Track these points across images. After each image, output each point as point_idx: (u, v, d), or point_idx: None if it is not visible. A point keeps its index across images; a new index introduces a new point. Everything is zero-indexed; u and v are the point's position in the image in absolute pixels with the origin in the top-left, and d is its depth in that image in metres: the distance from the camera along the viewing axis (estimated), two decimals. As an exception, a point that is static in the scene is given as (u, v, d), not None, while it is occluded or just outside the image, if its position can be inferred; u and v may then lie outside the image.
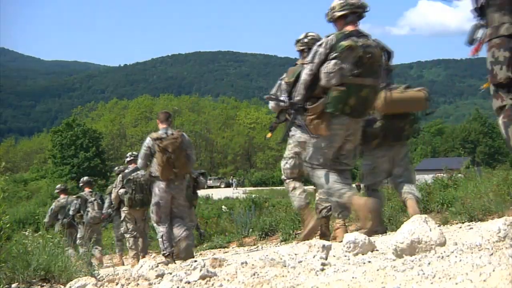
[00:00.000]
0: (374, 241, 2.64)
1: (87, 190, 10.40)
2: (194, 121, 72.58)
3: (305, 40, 5.08)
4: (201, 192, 13.05)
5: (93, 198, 10.14)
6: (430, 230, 2.10)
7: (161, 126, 6.29)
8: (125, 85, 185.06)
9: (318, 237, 5.30)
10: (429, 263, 1.78)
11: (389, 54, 4.32)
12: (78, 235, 10.04)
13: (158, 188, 6.09)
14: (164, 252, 6.14)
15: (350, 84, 4.05)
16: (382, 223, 5.31)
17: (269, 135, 5.25)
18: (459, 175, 10.07)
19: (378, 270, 1.85)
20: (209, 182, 57.93)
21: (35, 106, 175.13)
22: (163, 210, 6.11)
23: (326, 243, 2.65)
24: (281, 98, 4.63)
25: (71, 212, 10.23)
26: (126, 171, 8.40)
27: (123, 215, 8.69)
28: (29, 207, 27.87)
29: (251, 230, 10.25)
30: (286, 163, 5.41)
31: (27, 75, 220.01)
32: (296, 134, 5.20)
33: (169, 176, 5.92)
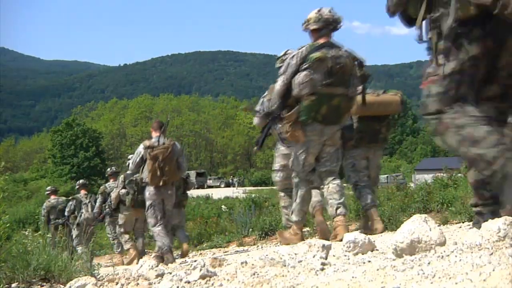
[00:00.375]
0: (374, 241, 2.65)
1: (82, 192, 10.71)
2: (194, 120, 72.62)
3: (284, 57, 5.16)
4: (201, 192, 13.24)
5: (87, 200, 10.40)
6: (430, 230, 2.10)
7: (154, 134, 6.55)
8: (125, 85, 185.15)
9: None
10: (429, 263, 1.78)
11: (361, 63, 4.54)
12: (73, 236, 10.15)
13: (149, 192, 6.41)
14: (157, 252, 6.37)
15: (321, 93, 4.32)
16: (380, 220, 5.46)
17: (255, 149, 5.32)
18: (459, 174, 10.09)
19: (378, 269, 1.85)
20: (209, 182, 57.94)
21: (35, 105, 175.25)
22: (157, 211, 6.39)
23: (326, 242, 2.65)
24: (256, 108, 4.98)
25: (66, 213, 10.49)
26: (128, 172, 8.29)
27: (122, 218, 8.75)
28: (29, 207, 27.91)
29: (251, 229, 10.26)
30: (276, 175, 5.67)
31: (27, 75, 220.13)
32: (281, 147, 5.51)
33: (158, 183, 6.21)
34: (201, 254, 9.09)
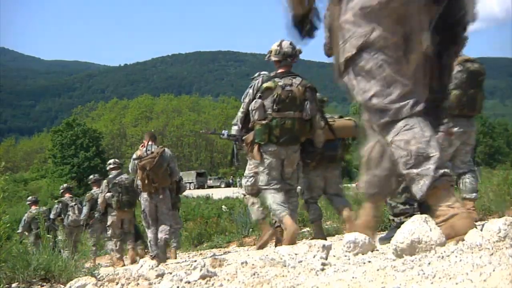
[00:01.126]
0: (374, 241, 2.64)
1: (67, 195, 11.20)
2: (194, 120, 72.67)
3: (255, 79, 5.45)
4: (201, 192, 13.38)
5: (73, 203, 10.87)
6: (430, 230, 2.10)
7: (145, 143, 7.23)
8: (125, 85, 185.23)
9: (274, 244, 6.02)
10: (429, 263, 1.78)
11: (313, 89, 5.06)
12: (59, 238, 10.25)
13: (143, 198, 7.10)
14: (152, 254, 7.11)
15: (273, 118, 4.87)
16: (323, 232, 6.13)
17: (235, 164, 6.02)
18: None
19: (378, 270, 1.85)
20: (209, 182, 57.90)
21: (35, 105, 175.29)
22: (149, 217, 7.06)
23: (326, 243, 2.65)
24: (222, 132, 5.58)
25: (52, 216, 10.89)
26: (110, 176, 8.96)
27: (110, 219, 9.00)
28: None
29: (251, 230, 10.27)
30: (247, 181, 6.05)
31: (27, 75, 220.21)
32: None
33: (149, 190, 6.77)
34: (201, 254, 9.10)
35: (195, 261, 3.87)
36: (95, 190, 10.13)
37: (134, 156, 7.17)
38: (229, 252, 8.33)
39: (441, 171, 2.22)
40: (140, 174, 6.73)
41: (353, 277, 1.81)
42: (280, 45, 5.09)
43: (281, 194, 4.97)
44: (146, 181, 6.69)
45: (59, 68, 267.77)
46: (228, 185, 55.30)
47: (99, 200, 9.22)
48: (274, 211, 4.95)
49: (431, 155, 2.24)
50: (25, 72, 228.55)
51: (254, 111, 4.93)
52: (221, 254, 7.66)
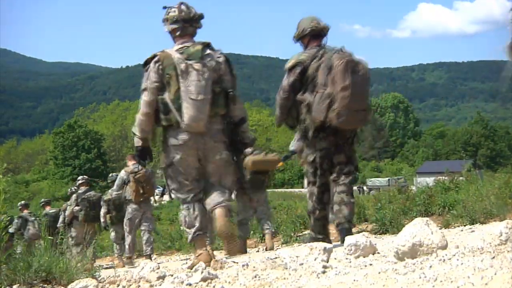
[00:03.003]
0: (375, 244, 2.64)
1: (26, 211, 12.25)
2: (195, 123, 72.56)
3: None
4: None
5: (32, 218, 11.88)
6: (432, 233, 2.10)
7: (131, 162, 8.28)
8: (127, 87, 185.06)
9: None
10: (430, 266, 1.78)
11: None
12: (18, 251, 10.61)
13: (131, 208, 8.21)
14: (129, 255, 8.50)
15: None
16: (246, 249, 7.09)
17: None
18: (461, 178, 10.06)
19: (379, 273, 1.84)
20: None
21: (37, 107, 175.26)
22: (132, 224, 8.31)
23: (328, 245, 2.64)
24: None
25: (11, 230, 11.02)
26: (79, 192, 9.95)
27: (74, 231, 9.92)
28: (30, 208, 27.82)
29: (252, 232, 10.24)
30: None
31: (29, 76, 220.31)
32: None
33: (140, 199, 7.69)
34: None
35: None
36: (82, 189, 10.34)
37: (124, 172, 8.27)
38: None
39: None
40: (135, 186, 7.67)
41: (354, 280, 1.80)
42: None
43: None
44: (141, 191, 7.67)
45: (60, 69, 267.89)
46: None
47: (67, 213, 10.08)
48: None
49: None
50: (27, 73, 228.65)
51: None
52: (224, 257, 7.64)
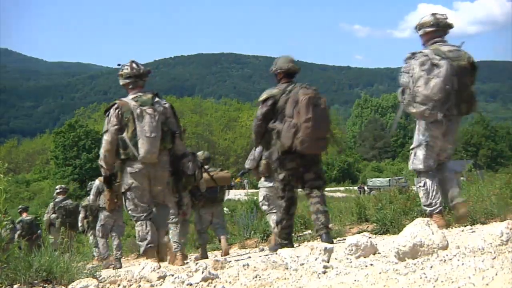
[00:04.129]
0: (376, 244, 2.64)
1: (25, 215, 12.12)
2: (196, 122, 72.58)
3: None
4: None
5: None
6: (433, 233, 2.10)
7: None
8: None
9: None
10: (431, 267, 1.78)
11: (194, 154, 5.52)
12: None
13: (104, 215, 9.08)
14: (103, 255, 9.26)
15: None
16: (207, 255, 8.14)
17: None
18: (462, 178, 10.06)
19: (380, 273, 1.84)
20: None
21: (38, 107, 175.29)
22: (105, 230, 9.19)
23: (328, 245, 2.64)
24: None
25: (16, 236, 11.44)
26: (57, 200, 10.74)
27: (50, 237, 10.38)
28: (31, 208, 27.86)
29: (252, 232, 10.25)
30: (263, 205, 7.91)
31: (29, 76, 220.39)
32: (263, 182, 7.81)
33: (113, 207, 7.95)
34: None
35: (197, 263, 3.86)
36: (59, 198, 11.17)
37: (99, 182, 8.98)
38: (230, 254, 8.32)
39: None
40: (109, 196, 7.71)
41: (355, 280, 1.80)
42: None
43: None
44: (115, 200, 7.87)
45: (61, 69, 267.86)
46: (229, 187, 55.07)
47: (44, 219, 10.81)
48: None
49: None
50: (28, 73, 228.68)
51: None
52: (224, 257, 7.65)
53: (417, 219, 2.19)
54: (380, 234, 7.08)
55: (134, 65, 5.08)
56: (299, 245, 6.95)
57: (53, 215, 10.37)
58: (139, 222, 4.88)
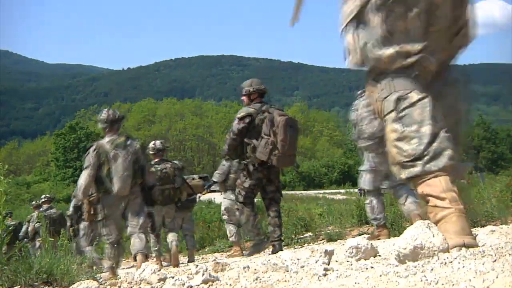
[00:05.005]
0: (377, 247, 2.64)
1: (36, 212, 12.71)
2: (197, 124, 72.65)
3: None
4: (203, 196, 13.88)
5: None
6: (433, 236, 2.10)
7: None
8: (128, 89, 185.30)
9: None
10: (432, 269, 1.78)
11: (181, 168, 7.88)
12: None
13: (84, 225, 9.13)
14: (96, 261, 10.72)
15: (158, 189, 7.51)
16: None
17: None
18: (462, 180, 10.05)
19: (380, 275, 1.84)
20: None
21: (38, 108, 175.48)
22: (88, 239, 9.15)
23: (329, 248, 2.64)
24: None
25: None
26: (41, 209, 11.19)
27: (37, 243, 10.79)
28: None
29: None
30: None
31: (30, 78, 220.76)
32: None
33: (92, 219, 8.36)
34: (203, 258, 9.10)
35: (197, 265, 3.86)
36: (34, 213, 11.68)
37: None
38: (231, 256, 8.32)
39: None
40: (88, 207, 8.11)
41: (355, 283, 1.80)
42: (154, 143, 7.90)
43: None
44: (92, 212, 8.20)
45: (62, 71, 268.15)
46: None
47: (29, 228, 11.20)
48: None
49: None
50: (29, 75, 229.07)
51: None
52: (225, 259, 7.65)
53: (418, 221, 2.19)
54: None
55: (110, 112, 6.05)
56: (299, 247, 6.95)
57: (37, 224, 10.90)
58: (111, 245, 5.80)
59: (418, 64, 2.09)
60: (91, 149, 5.79)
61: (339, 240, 7.53)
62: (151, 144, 7.88)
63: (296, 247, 7.64)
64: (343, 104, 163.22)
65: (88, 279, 3.16)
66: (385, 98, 2.13)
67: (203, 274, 2.35)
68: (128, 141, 5.90)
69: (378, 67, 2.12)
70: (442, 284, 1.56)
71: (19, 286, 3.11)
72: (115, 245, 5.84)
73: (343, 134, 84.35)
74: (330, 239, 7.73)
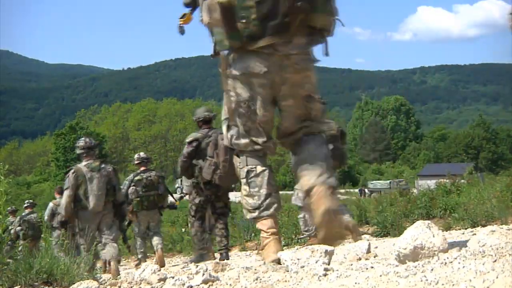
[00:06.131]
0: (376, 247, 2.64)
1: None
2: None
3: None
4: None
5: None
6: (433, 236, 2.10)
7: (58, 196, 10.16)
8: (129, 89, 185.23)
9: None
10: (432, 269, 1.78)
11: (163, 177, 8.81)
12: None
13: (57, 233, 9.47)
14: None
15: (141, 195, 8.37)
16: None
17: None
18: (462, 181, 10.06)
19: (381, 276, 1.84)
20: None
21: (39, 109, 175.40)
22: (59, 247, 10.66)
23: (329, 248, 2.64)
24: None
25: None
26: (23, 214, 11.83)
27: (20, 248, 10.80)
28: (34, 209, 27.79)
29: (253, 234, 10.25)
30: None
31: (30, 78, 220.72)
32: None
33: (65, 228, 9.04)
34: (203, 258, 9.08)
35: (198, 265, 3.86)
36: (10, 218, 11.63)
37: (52, 204, 10.49)
38: (231, 256, 8.32)
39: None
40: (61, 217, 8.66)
41: (355, 283, 1.80)
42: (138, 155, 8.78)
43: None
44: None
45: (62, 71, 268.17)
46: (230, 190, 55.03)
47: (11, 232, 11.16)
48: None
49: None
50: (29, 75, 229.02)
51: (131, 194, 8.14)
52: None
53: (418, 221, 2.19)
54: (380, 237, 7.08)
55: (87, 139, 7.02)
56: (299, 247, 6.95)
57: (18, 228, 11.31)
58: (85, 252, 6.07)
59: (263, 148, 3.15)
60: (70, 172, 6.75)
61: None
62: (136, 155, 8.81)
63: (296, 247, 7.64)
64: (343, 104, 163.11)
65: (88, 279, 3.15)
66: (241, 168, 3.18)
67: (203, 274, 2.35)
68: (102, 165, 6.89)
69: (237, 149, 3.24)
70: (442, 284, 1.56)
71: (19, 286, 3.11)
72: (88, 253, 6.52)
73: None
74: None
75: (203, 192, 6.59)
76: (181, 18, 3.38)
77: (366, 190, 40.27)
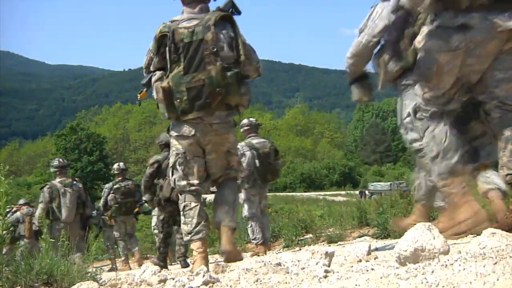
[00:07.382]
0: (377, 249, 2.64)
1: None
2: (197, 126, 72.59)
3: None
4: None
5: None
6: (434, 238, 2.10)
7: (25, 207, 10.65)
8: (129, 89, 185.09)
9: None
10: (432, 272, 1.78)
11: (138, 186, 9.46)
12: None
13: (24, 241, 9.82)
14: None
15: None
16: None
17: None
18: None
19: (381, 277, 1.84)
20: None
21: (39, 109, 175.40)
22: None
23: (329, 249, 2.64)
24: None
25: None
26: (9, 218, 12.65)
27: (4, 250, 11.33)
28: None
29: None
30: None
31: (31, 79, 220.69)
32: None
33: (32, 235, 9.47)
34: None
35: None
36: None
37: (19, 214, 10.54)
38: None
39: None
40: (29, 226, 9.61)
41: (356, 285, 1.80)
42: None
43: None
44: (33, 229, 9.45)
45: (63, 72, 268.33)
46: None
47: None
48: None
49: None
50: (29, 76, 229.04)
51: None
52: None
53: (418, 223, 2.19)
54: (381, 239, 7.08)
55: (60, 160, 8.43)
56: (300, 249, 6.95)
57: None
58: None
59: (197, 189, 4.15)
60: (45, 188, 7.98)
61: (339, 242, 7.53)
62: (115, 166, 9.81)
63: (296, 248, 7.64)
64: (344, 105, 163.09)
65: (88, 280, 3.15)
66: (180, 203, 4.16)
67: (203, 276, 2.36)
68: (74, 182, 8.12)
69: (178, 189, 4.24)
70: (443, 286, 1.56)
71: (20, 287, 3.11)
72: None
73: (344, 135, 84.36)
74: (331, 240, 7.73)
75: (164, 209, 7.12)
76: (139, 93, 4.40)
77: (367, 192, 40.23)
